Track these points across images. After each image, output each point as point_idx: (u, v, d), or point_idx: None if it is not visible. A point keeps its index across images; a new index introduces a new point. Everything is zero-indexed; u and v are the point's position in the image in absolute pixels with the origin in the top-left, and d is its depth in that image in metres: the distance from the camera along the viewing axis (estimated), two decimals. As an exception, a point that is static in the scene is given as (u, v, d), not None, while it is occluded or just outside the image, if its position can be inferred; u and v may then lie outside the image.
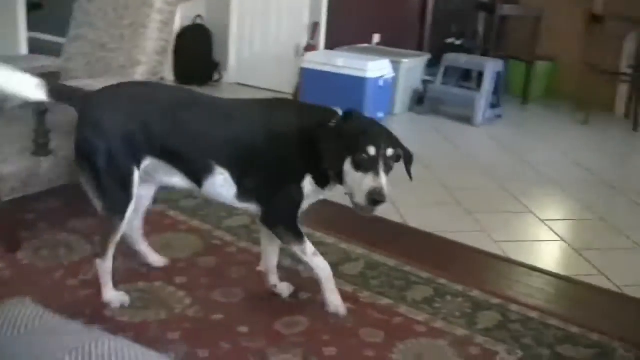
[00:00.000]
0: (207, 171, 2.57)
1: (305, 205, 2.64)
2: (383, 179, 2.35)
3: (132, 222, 2.83)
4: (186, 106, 2.61)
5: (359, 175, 2.38)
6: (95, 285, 2.78)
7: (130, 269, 2.97)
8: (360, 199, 2.37)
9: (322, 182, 2.59)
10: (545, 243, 3.75)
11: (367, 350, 2.48)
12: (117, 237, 2.66)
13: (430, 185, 4.37)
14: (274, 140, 2.55)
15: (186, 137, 2.56)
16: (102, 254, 2.67)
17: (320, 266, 2.66)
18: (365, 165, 2.36)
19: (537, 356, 2.55)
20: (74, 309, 2.62)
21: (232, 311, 2.70)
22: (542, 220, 4.02)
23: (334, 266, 2.83)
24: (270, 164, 2.57)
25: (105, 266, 2.68)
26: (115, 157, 2.52)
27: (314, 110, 2.68)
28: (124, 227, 2.65)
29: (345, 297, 2.78)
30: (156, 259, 3.03)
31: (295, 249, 2.63)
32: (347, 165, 2.41)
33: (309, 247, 2.63)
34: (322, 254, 2.70)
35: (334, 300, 2.69)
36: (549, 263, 3.49)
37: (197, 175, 2.61)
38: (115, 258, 3.01)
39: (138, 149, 2.54)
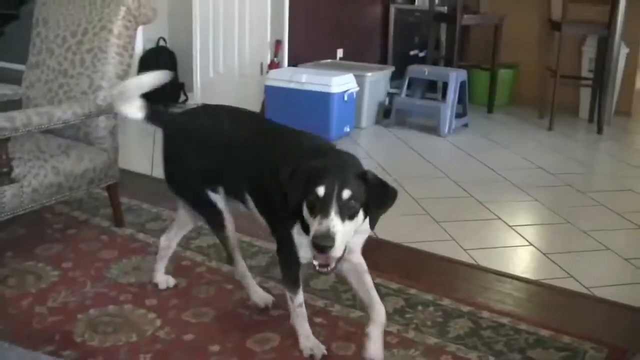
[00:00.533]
0: (243, 197, 2.66)
1: (305, 255, 2.36)
2: (332, 220, 2.04)
3: (172, 240, 3.06)
4: (254, 137, 2.62)
5: (310, 219, 2.13)
6: (64, 311, 2.77)
7: (100, 293, 2.95)
8: (309, 247, 2.13)
9: (307, 230, 2.28)
10: (514, 248, 3.78)
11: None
12: (232, 243, 2.84)
13: (398, 196, 4.38)
14: (275, 180, 2.37)
15: (233, 162, 2.63)
16: (231, 262, 2.89)
17: (299, 318, 2.56)
18: (315, 209, 2.09)
19: (508, 361, 2.57)
20: (43, 335, 2.60)
21: (203, 331, 2.69)
22: (511, 226, 4.05)
23: (305, 281, 2.83)
24: (270, 204, 2.50)
25: (240, 270, 2.89)
26: (191, 185, 2.75)
27: (316, 149, 2.40)
28: (231, 235, 2.83)
29: (316, 311, 2.79)
30: (163, 280, 3.06)
31: (286, 292, 2.54)
32: (305, 211, 2.17)
33: (297, 299, 2.52)
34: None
35: (305, 346, 2.55)
36: (518, 268, 3.51)
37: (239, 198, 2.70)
38: (84, 283, 3.02)
39: (210, 179, 2.69)
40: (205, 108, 3.02)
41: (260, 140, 2.58)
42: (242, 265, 2.88)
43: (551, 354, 2.62)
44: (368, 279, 2.52)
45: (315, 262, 2.14)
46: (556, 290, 3.25)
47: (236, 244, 2.84)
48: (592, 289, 3.26)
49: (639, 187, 4.99)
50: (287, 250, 2.42)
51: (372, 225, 2.23)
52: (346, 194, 2.08)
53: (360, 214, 2.14)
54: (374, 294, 2.51)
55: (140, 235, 3.58)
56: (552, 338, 2.73)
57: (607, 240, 3.87)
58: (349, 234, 2.11)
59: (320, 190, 2.08)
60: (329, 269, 2.14)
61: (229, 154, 2.61)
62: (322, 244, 2.01)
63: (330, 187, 2.07)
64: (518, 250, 3.76)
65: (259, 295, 2.89)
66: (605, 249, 3.76)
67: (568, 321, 2.92)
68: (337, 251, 2.04)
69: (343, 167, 2.18)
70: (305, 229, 2.25)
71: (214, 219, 2.79)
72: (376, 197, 2.19)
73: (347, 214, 2.08)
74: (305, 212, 2.15)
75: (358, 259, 2.53)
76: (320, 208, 2.06)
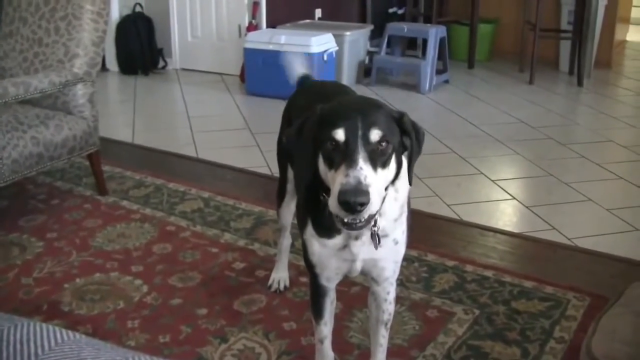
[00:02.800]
0: None
1: (332, 266, 1.89)
2: (362, 168, 1.52)
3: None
4: None
5: (330, 173, 1.59)
6: (50, 282, 2.77)
7: (85, 262, 2.96)
8: (333, 206, 1.54)
9: (321, 227, 1.81)
10: (497, 202, 3.80)
11: (326, 321, 2.51)
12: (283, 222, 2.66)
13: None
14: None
15: None
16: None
17: (317, 358, 2.16)
18: (336, 159, 1.57)
19: (493, 313, 2.60)
20: (30, 306, 2.61)
21: (190, 295, 2.70)
22: (493, 181, 4.07)
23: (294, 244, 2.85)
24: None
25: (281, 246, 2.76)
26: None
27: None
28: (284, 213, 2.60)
29: (301, 271, 2.81)
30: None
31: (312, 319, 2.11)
32: (322, 167, 1.63)
33: (318, 332, 2.09)
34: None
35: None
36: (501, 222, 3.54)
37: None
38: (69, 253, 3.02)
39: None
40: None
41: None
42: (285, 243, 2.76)
43: (535, 305, 2.66)
44: (383, 332, 2.09)
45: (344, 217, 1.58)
46: (539, 242, 3.28)
47: (287, 224, 2.66)
48: (574, 239, 3.29)
49: (619, 138, 5.03)
50: (306, 264, 1.97)
51: (411, 179, 1.79)
52: (375, 134, 1.58)
53: (393, 163, 1.64)
54: (382, 356, 2.14)
55: (124, 203, 3.57)
56: (536, 289, 2.77)
57: (588, 191, 3.90)
58: (382, 186, 1.62)
59: (339, 133, 1.57)
60: (359, 222, 1.58)
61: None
62: (353, 199, 1.49)
63: (353, 127, 1.57)
64: (501, 204, 3.78)
65: (279, 275, 2.79)
66: (586, 200, 3.80)
67: (551, 272, 2.96)
68: (373, 207, 1.53)
69: (367, 103, 1.69)
70: (320, 226, 1.81)
71: (279, 191, 2.58)
72: (415, 144, 1.72)
73: (379, 160, 1.58)
74: (323, 170, 1.63)
75: (390, 283, 2.01)
76: (343, 156, 1.56)
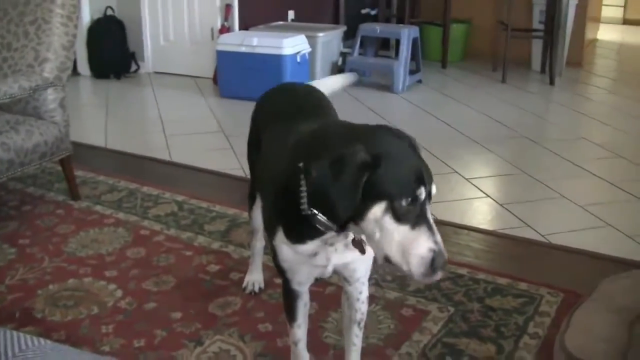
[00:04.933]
0: None
1: (303, 271, 1.88)
2: (438, 234, 1.53)
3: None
4: None
5: (402, 229, 1.51)
6: (23, 288, 2.75)
7: (58, 268, 2.93)
8: (414, 265, 1.49)
9: (293, 234, 1.77)
10: (472, 201, 3.82)
11: (302, 322, 2.51)
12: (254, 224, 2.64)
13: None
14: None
15: None
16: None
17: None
18: (413, 216, 1.51)
19: (468, 311, 2.61)
20: (3, 314, 2.58)
21: (164, 299, 2.69)
22: (467, 179, 4.09)
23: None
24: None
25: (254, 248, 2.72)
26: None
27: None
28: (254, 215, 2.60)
29: (277, 273, 2.79)
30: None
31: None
32: (381, 215, 1.52)
33: (292, 334, 2.08)
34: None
35: None
36: (476, 220, 3.55)
37: None
38: (42, 259, 2.99)
39: None
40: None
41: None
42: (257, 245, 2.72)
43: (509, 301, 2.67)
44: (357, 331, 2.08)
45: (404, 268, 1.53)
46: (513, 239, 3.30)
47: (259, 227, 2.60)
48: (548, 236, 3.31)
49: (592, 136, 5.07)
50: (277, 269, 1.93)
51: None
52: (434, 190, 1.58)
53: None
54: (356, 355, 2.14)
55: (97, 207, 3.55)
56: (510, 286, 2.78)
57: (561, 188, 3.93)
58: None
59: (422, 192, 1.52)
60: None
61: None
62: (442, 267, 1.51)
63: (429, 185, 1.55)
64: (475, 202, 3.80)
65: (253, 277, 2.76)
66: (560, 197, 3.83)
67: (525, 269, 2.97)
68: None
69: (414, 145, 1.67)
70: (293, 233, 1.76)
71: (250, 194, 2.58)
72: None
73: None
74: (383, 217, 1.52)
75: (362, 282, 2.00)
76: (420, 215, 1.51)
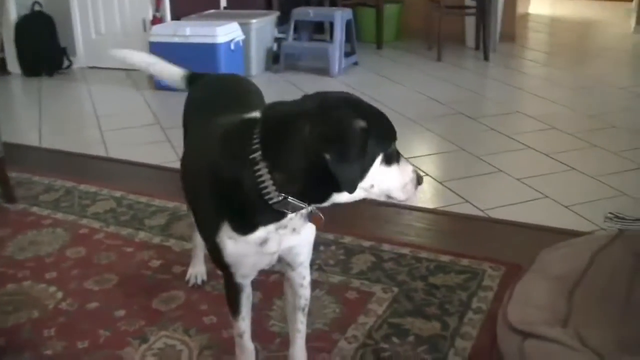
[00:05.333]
0: None
1: (249, 263, 1.85)
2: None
3: None
4: None
5: (392, 169, 1.67)
6: (-41, 295, 2.68)
7: (-4, 273, 2.87)
8: (410, 189, 1.71)
9: (242, 224, 1.75)
10: (411, 180, 3.84)
11: (247, 312, 2.50)
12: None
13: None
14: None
15: None
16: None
17: (237, 352, 2.12)
18: (396, 155, 1.70)
19: (412, 290, 2.63)
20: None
21: (107, 297, 2.65)
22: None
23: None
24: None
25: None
26: None
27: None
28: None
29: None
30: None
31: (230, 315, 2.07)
32: (377, 166, 1.64)
33: (236, 326, 2.04)
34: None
35: None
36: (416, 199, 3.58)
37: None
38: (-23, 264, 2.92)
39: None
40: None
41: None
42: (198, 238, 2.61)
43: (452, 278, 2.70)
44: (301, 317, 2.08)
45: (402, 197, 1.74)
46: (454, 216, 3.34)
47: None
48: (488, 211, 3.36)
49: (526, 109, 5.15)
50: (219, 266, 1.90)
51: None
52: None
53: None
54: (301, 342, 2.13)
55: (34, 209, 3.47)
56: (452, 262, 2.81)
57: (499, 162, 3.99)
58: None
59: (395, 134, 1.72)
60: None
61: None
62: (421, 180, 1.77)
63: None
64: (415, 181, 3.82)
65: (196, 270, 2.73)
66: (497, 171, 3.88)
67: (466, 245, 3.01)
68: None
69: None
70: (241, 223, 1.74)
71: None
72: None
73: None
74: (378, 169, 1.64)
75: (305, 267, 2.00)
76: (397, 154, 1.71)
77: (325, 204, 1.71)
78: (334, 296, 2.60)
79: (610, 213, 3.17)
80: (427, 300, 2.56)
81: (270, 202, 1.64)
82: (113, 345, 2.35)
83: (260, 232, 1.74)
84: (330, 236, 3.02)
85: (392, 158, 1.67)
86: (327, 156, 1.54)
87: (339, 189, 1.62)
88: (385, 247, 2.95)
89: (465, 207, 3.42)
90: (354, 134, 1.57)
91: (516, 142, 4.36)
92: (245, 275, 1.91)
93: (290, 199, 1.63)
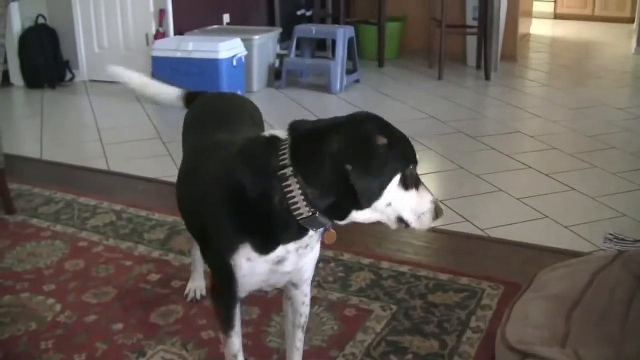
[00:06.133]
0: None
1: (259, 282, 1.83)
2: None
3: None
4: None
5: (410, 193, 1.67)
6: (-43, 306, 2.68)
7: (-6, 285, 2.87)
8: (427, 219, 1.71)
9: (263, 243, 1.73)
10: (411, 198, 3.84)
11: (245, 327, 2.46)
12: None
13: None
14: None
15: None
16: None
17: None
18: (415, 179, 1.69)
19: (411, 308, 2.62)
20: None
21: (105, 310, 2.64)
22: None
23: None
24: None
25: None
26: None
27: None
28: None
29: (218, 279, 2.78)
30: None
31: (220, 333, 2.01)
32: (395, 186, 1.65)
33: (229, 345, 1.97)
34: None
35: None
36: (416, 217, 3.58)
37: None
38: (-25, 276, 2.91)
39: None
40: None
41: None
42: (198, 253, 2.61)
43: (451, 296, 2.70)
44: (300, 335, 2.08)
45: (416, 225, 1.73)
46: (453, 235, 3.34)
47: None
48: (487, 230, 3.36)
49: (526, 129, 5.16)
50: (222, 283, 1.87)
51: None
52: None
53: None
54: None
55: (34, 221, 3.47)
56: (451, 281, 2.81)
57: (499, 182, 3.99)
58: None
59: (416, 157, 1.71)
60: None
61: None
62: (441, 212, 1.74)
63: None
64: (415, 199, 3.82)
65: (196, 284, 2.72)
66: (497, 190, 3.88)
67: (466, 264, 3.01)
68: None
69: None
70: (263, 244, 1.72)
71: None
72: None
73: None
74: (396, 191, 1.65)
75: (308, 284, 2.00)
76: (416, 179, 1.70)
77: (345, 222, 1.71)
78: (333, 313, 2.59)
79: (610, 234, 3.19)
80: (426, 319, 2.55)
81: (299, 218, 1.65)
82: (110, 359, 2.34)
83: (280, 251, 1.74)
84: (330, 253, 3.02)
85: (411, 181, 1.67)
86: (350, 168, 1.58)
87: (359, 206, 1.64)
88: (385, 264, 2.95)
89: (465, 226, 3.42)
90: (375, 148, 1.61)
91: (516, 162, 4.36)
92: (249, 292, 1.88)
93: (318, 215, 1.65)
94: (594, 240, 3.20)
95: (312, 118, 1.72)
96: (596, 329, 2.12)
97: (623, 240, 3.15)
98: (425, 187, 1.72)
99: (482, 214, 3.57)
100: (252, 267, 1.75)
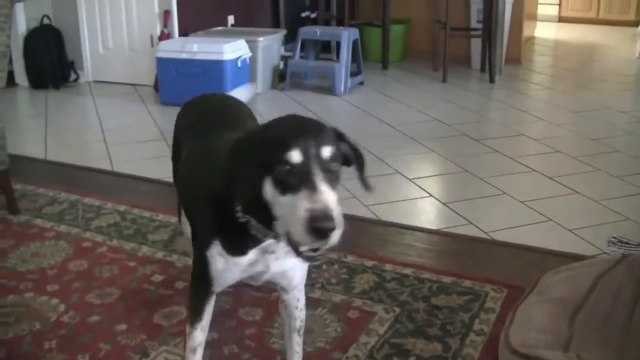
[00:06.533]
0: None
1: (232, 279, 1.86)
2: (325, 192, 1.44)
3: None
4: None
5: (287, 199, 1.46)
6: (-39, 306, 2.69)
7: (-2, 285, 2.87)
8: (299, 234, 1.43)
9: (233, 246, 1.76)
10: (415, 200, 3.85)
11: (248, 328, 2.49)
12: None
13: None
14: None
15: None
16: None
17: None
18: (290, 183, 1.46)
19: (414, 310, 2.62)
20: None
21: (108, 311, 2.65)
22: (410, 179, 4.12)
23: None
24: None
25: None
26: None
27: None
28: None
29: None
30: None
31: (187, 326, 2.00)
32: (269, 191, 1.50)
33: (192, 337, 1.96)
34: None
35: None
36: (419, 219, 3.58)
37: None
38: (-21, 275, 2.92)
39: None
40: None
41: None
42: None
43: (454, 299, 2.70)
44: (297, 339, 2.08)
45: (304, 248, 1.51)
46: (456, 237, 3.34)
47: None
48: (491, 233, 3.36)
49: (530, 132, 5.16)
50: (197, 275, 1.90)
51: (367, 184, 1.72)
52: (327, 152, 1.51)
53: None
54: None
55: (38, 221, 3.48)
56: (455, 284, 2.81)
57: (502, 184, 3.99)
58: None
59: (295, 155, 1.46)
60: (321, 255, 1.53)
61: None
62: (326, 226, 1.40)
63: (308, 146, 1.48)
64: (418, 201, 3.83)
65: None
66: (501, 193, 3.88)
67: (469, 266, 3.01)
68: (339, 234, 1.44)
69: (308, 121, 1.60)
70: (231, 245, 1.74)
71: (179, 204, 2.69)
72: (359, 157, 1.69)
73: (333, 180, 1.50)
74: (272, 193, 1.49)
75: (299, 289, 2.00)
76: (302, 179, 1.45)
77: (275, 233, 1.60)
78: (336, 315, 2.59)
79: (614, 237, 3.19)
80: (429, 321, 2.55)
81: (241, 222, 1.65)
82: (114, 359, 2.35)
83: (250, 255, 1.75)
84: (333, 255, 3.02)
85: (286, 184, 1.46)
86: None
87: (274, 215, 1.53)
88: (388, 267, 2.95)
89: (468, 229, 3.42)
90: (237, 150, 1.57)
91: (520, 164, 4.36)
92: (224, 286, 1.91)
93: (252, 221, 1.63)
94: (597, 244, 3.20)
95: (315, 118, 1.71)
96: (599, 333, 2.12)
97: (626, 243, 3.15)
98: (313, 189, 1.44)
99: (485, 216, 3.57)
100: (222, 265, 1.78)
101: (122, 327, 2.53)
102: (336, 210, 1.42)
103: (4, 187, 3.50)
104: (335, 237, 1.43)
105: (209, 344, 2.41)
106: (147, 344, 2.42)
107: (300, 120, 1.60)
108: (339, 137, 1.62)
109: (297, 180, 1.45)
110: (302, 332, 2.07)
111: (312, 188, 1.43)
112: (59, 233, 3.34)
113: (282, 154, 1.46)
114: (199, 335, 1.96)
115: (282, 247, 1.72)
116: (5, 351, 2.39)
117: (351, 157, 1.67)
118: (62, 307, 2.68)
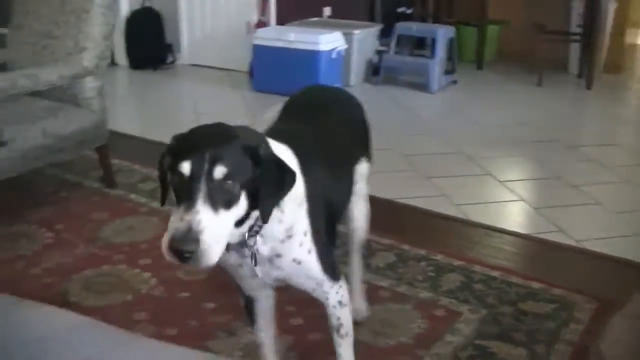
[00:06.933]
0: None
1: (242, 279, 1.88)
2: (198, 211, 1.37)
3: None
4: None
5: (175, 209, 1.43)
6: (58, 273, 2.78)
7: (93, 254, 2.96)
8: (163, 249, 1.41)
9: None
10: (505, 203, 3.80)
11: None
12: None
13: (388, 152, 4.39)
14: None
15: None
16: None
17: None
18: (181, 194, 1.42)
19: (500, 314, 2.60)
20: (38, 296, 2.59)
21: (197, 289, 2.71)
22: (501, 182, 4.07)
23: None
24: None
25: None
26: None
27: None
28: None
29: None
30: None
31: None
32: (174, 198, 1.48)
33: (256, 337, 2.11)
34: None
35: None
36: (509, 223, 3.53)
37: None
38: (77, 245, 3.03)
39: None
40: None
41: None
42: None
43: (542, 306, 2.65)
44: (337, 339, 1.99)
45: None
46: (546, 244, 3.28)
47: None
48: (582, 242, 3.28)
49: (627, 142, 5.03)
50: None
51: (264, 217, 1.54)
52: (219, 171, 1.42)
53: (243, 201, 1.47)
54: None
55: (132, 196, 3.58)
56: (543, 290, 2.76)
57: (596, 194, 3.89)
58: (226, 228, 1.45)
59: (185, 167, 1.42)
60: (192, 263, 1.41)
61: None
62: (181, 248, 1.36)
63: (199, 161, 1.42)
64: (508, 205, 3.78)
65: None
66: (594, 203, 3.79)
67: (557, 274, 2.95)
68: (210, 254, 1.39)
69: (220, 133, 1.54)
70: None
71: None
72: (269, 179, 1.52)
73: (223, 200, 1.43)
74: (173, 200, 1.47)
75: (324, 290, 1.89)
76: (185, 193, 1.40)
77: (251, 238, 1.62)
78: (421, 311, 2.59)
79: None
80: (515, 326, 2.52)
81: None
82: (201, 336, 2.40)
83: (232, 256, 1.71)
84: (422, 252, 3.01)
85: (178, 196, 1.43)
86: None
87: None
88: (476, 268, 2.92)
89: (558, 236, 3.35)
90: (166, 149, 1.54)
91: (615, 175, 4.25)
92: (250, 289, 1.94)
93: None
94: (694, 262, 3.10)
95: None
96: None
97: None
98: (189, 205, 1.38)
99: (577, 225, 3.50)
100: (229, 267, 1.80)
101: (210, 305, 2.59)
102: (205, 232, 1.37)
103: (102, 161, 3.61)
104: (202, 259, 1.38)
105: (294, 329, 2.44)
106: (233, 324, 2.47)
107: (215, 130, 1.56)
108: (252, 155, 1.50)
109: (184, 193, 1.41)
110: (342, 333, 1.96)
111: (189, 205, 1.38)
112: (152, 209, 3.42)
113: (176, 164, 1.44)
114: (260, 335, 2.09)
115: (262, 249, 1.68)
116: (99, 317, 2.43)
117: (261, 181, 1.50)
118: (153, 281, 2.76)
